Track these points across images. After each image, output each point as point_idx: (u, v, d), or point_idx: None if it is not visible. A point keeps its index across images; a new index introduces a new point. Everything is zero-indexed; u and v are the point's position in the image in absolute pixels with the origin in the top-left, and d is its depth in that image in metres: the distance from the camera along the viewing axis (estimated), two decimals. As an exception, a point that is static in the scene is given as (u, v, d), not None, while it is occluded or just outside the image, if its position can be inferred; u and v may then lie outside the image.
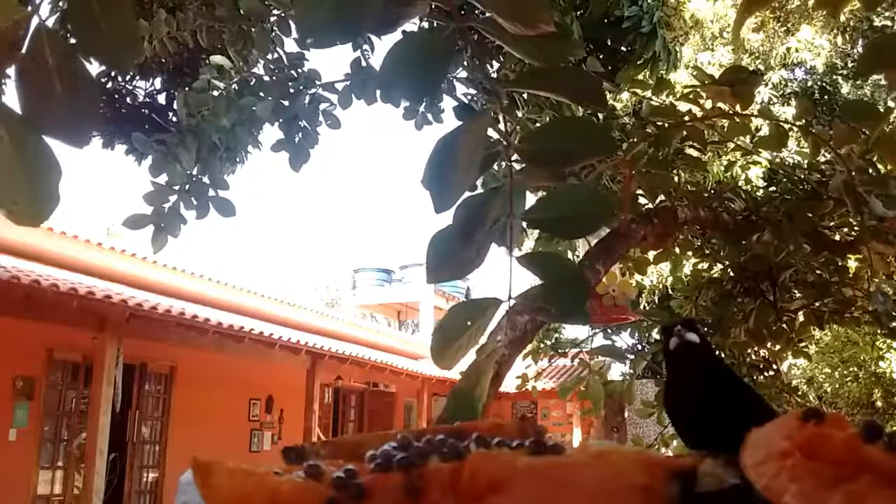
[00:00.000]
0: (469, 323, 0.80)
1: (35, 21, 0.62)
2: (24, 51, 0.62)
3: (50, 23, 0.63)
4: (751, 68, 8.37)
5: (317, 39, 0.75)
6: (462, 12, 0.80)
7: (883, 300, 2.07)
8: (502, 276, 0.99)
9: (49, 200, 0.65)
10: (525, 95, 2.48)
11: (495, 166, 1.56)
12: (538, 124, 2.42)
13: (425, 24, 2.01)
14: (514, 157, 0.90)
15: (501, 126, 1.01)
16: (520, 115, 2.46)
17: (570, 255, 2.49)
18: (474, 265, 0.82)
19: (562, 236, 1.93)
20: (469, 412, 0.84)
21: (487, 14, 0.76)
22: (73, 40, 0.66)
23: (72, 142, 0.65)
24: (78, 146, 0.65)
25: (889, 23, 8.00)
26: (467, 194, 0.83)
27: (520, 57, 0.88)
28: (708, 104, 1.91)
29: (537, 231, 2.34)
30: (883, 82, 8.23)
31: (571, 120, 1.91)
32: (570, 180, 1.74)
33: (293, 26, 2.32)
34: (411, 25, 1.72)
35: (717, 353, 0.89)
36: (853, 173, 1.79)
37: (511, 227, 0.83)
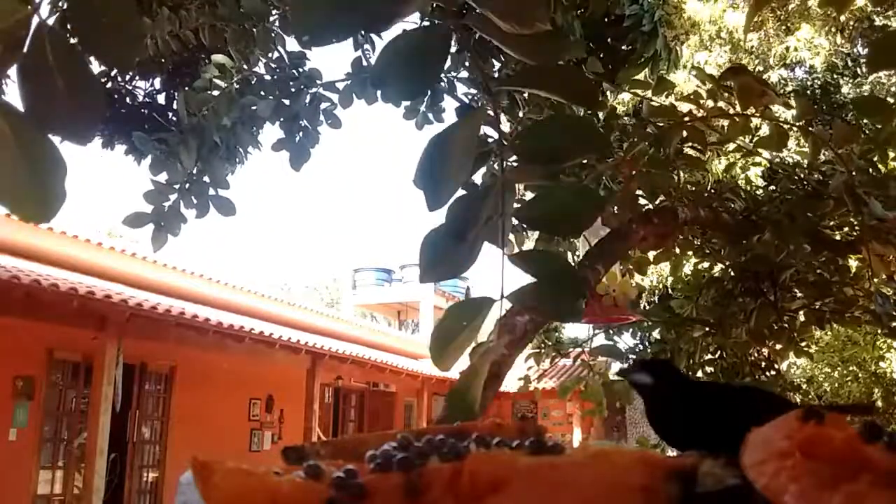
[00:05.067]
0: (464, 323, 0.80)
1: (36, 20, 0.62)
2: (25, 50, 0.62)
3: (50, 21, 0.64)
4: (749, 67, 8.37)
5: (313, 37, 0.76)
6: (463, 11, 0.80)
7: (882, 302, 2.07)
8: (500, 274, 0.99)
9: (55, 198, 0.65)
10: (526, 95, 2.48)
11: (496, 166, 1.55)
12: (531, 122, 2.42)
13: (419, 23, 2.01)
14: (508, 154, 0.90)
15: (504, 125, 1.01)
16: (521, 114, 2.46)
17: (570, 255, 2.49)
18: (467, 264, 0.82)
19: (553, 234, 1.93)
20: (464, 412, 0.84)
21: (481, 12, 0.76)
22: (74, 39, 0.66)
23: (75, 139, 0.66)
24: (81, 143, 0.66)
25: (888, 22, 8.00)
26: (460, 193, 0.83)
27: (514, 56, 0.89)
28: (708, 104, 1.91)
29: (538, 231, 2.34)
30: (883, 81, 8.24)
31: (565, 118, 1.91)
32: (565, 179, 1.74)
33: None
34: (409, 24, 1.71)
35: (674, 380, 0.90)
36: (853, 173, 1.79)
37: (503, 225, 0.84)
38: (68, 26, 0.67)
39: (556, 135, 0.89)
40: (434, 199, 0.78)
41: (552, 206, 0.86)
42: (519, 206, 0.89)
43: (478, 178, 1.90)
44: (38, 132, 0.64)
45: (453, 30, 0.79)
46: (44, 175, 0.64)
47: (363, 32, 2.21)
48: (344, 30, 0.74)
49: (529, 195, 0.90)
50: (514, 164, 0.94)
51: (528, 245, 2.61)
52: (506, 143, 0.90)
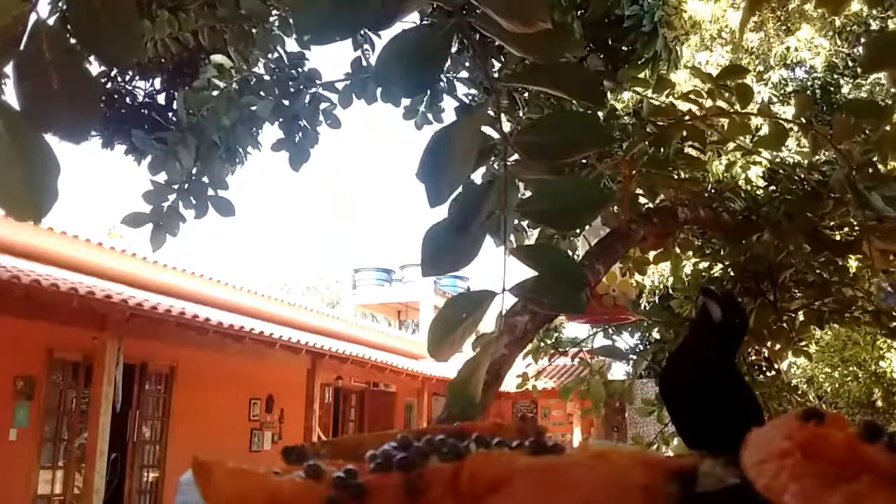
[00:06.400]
0: (464, 315, 0.80)
1: (33, 17, 0.62)
2: (22, 47, 0.62)
3: (50, 20, 0.63)
4: (749, 68, 8.38)
5: (314, 36, 0.76)
6: (464, 10, 0.80)
7: (885, 296, 2.07)
8: (500, 272, 0.99)
9: (47, 197, 0.65)
10: (526, 95, 2.48)
11: (495, 164, 1.56)
12: (532, 118, 2.42)
13: (417, 21, 2.01)
14: (510, 151, 0.90)
15: (504, 125, 1.01)
16: (520, 114, 2.46)
17: (570, 255, 2.49)
18: (469, 258, 0.82)
19: (556, 228, 1.93)
20: (465, 405, 0.84)
21: (484, 11, 0.76)
22: (73, 38, 0.66)
23: (70, 138, 0.66)
24: (75, 142, 0.66)
25: (886, 24, 8.00)
26: (462, 188, 0.83)
27: (518, 54, 0.89)
28: (708, 103, 1.91)
29: (538, 231, 2.34)
30: (883, 81, 8.24)
31: (567, 113, 1.90)
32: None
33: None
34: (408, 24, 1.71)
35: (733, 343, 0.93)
36: (854, 171, 1.79)
37: (505, 220, 0.84)
38: (67, 25, 0.67)
39: (559, 130, 0.89)
40: (435, 194, 0.78)
41: (554, 201, 0.86)
42: (521, 201, 0.89)
43: (477, 176, 1.90)
44: (34, 131, 0.64)
45: (454, 29, 0.79)
46: (37, 174, 0.64)
47: (364, 32, 2.21)
48: (345, 29, 0.74)
49: (528, 193, 0.90)
50: (517, 160, 0.95)
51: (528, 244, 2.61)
52: (509, 138, 0.90)
